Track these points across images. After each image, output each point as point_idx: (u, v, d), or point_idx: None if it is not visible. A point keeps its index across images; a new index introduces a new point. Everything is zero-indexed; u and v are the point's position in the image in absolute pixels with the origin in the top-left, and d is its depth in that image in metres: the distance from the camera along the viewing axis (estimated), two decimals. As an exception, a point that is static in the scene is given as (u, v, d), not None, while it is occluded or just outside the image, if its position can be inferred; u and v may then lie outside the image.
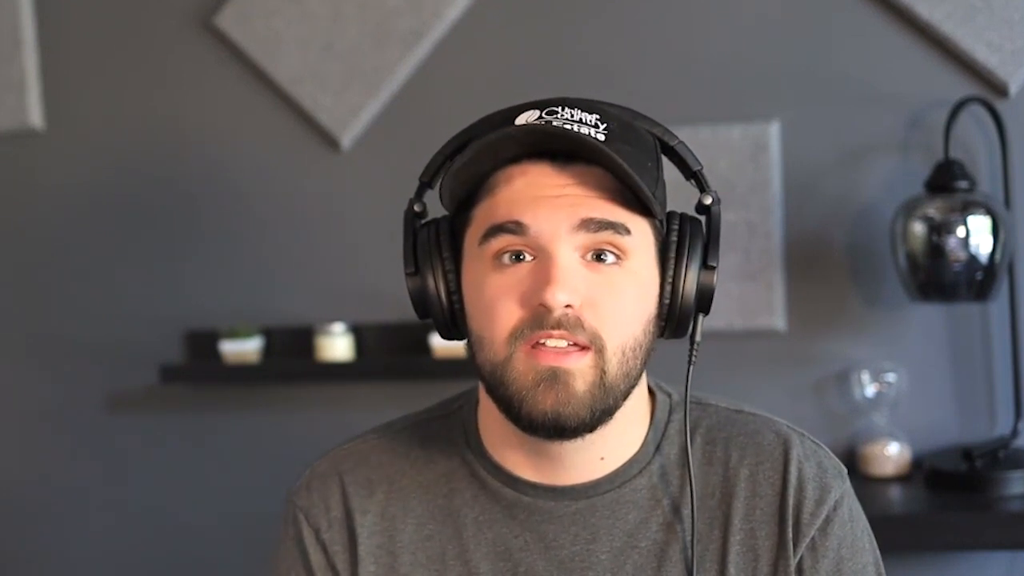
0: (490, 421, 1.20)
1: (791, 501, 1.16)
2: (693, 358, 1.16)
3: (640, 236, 1.10)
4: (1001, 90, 2.20)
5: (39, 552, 2.79)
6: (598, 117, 1.10)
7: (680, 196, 1.25)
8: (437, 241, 1.15)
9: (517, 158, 1.09)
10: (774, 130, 2.30)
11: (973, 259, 2.10)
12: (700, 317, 1.15)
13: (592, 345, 1.06)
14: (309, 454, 1.35)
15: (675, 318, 1.13)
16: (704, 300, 1.14)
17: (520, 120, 1.10)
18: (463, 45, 2.47)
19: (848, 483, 1.22)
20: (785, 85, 2.30)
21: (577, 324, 1.05)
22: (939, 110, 2.18)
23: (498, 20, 2.45)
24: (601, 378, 1.07)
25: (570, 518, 1.17)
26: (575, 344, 1.06)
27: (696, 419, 1.23)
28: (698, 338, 1.16)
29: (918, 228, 2.12)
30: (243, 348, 2.53)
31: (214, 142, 2.61)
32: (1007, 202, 2.16)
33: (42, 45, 2.71)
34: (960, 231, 2.09)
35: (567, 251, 1.06)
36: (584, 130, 1.07)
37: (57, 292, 2.74)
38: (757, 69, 2.32)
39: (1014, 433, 2.17)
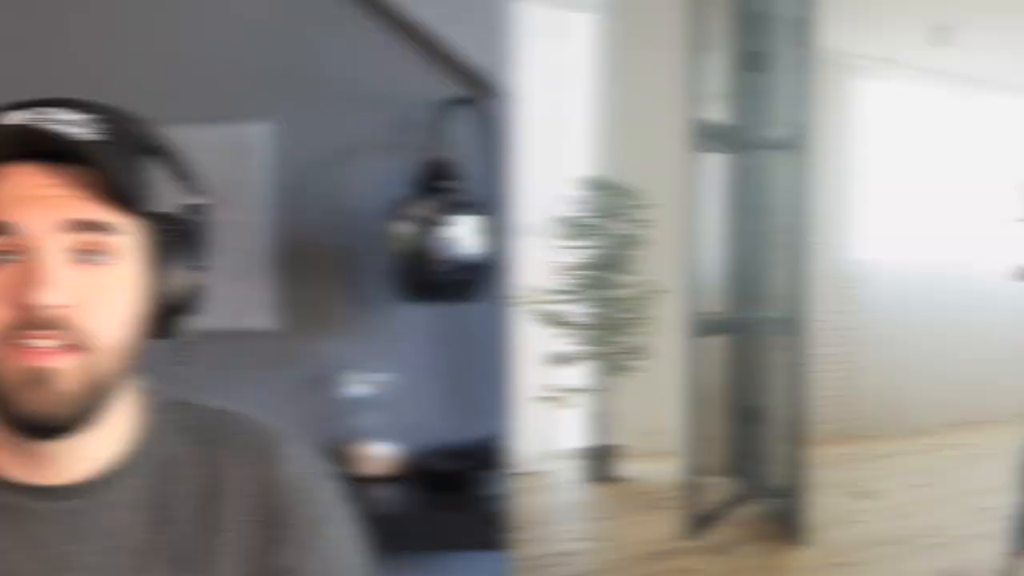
0: (-24, 421, 1.15)
1: (277, 501, 1.18)
2: (183, 359, 1.18)
3: (129, 236, 1.10)
4: (490, 90, 2.27)
5: None
6: (86, 117, 1.09)
7: (173, 196, 1.22)
8: None
9: (3, 160, 1.07)
10: (262, 131, 2.30)
11: (460, 259, 2.13)
12: (188, 317, 1.17)
13: (80, 345, 1.06)
14: None
15: (163, 319, 1.15)
16: (192, 300, 1.17)
17: (5, 121, 1.09)
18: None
19: (334, 483, 1.25)
20: (274, 86, 2.31)
21: (65, 324, 1.05)
22: (428, 110, 2.22)
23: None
24: (89, 378, 1.07)
25: (58, 518, 1.14)
26: (63, 344, 1.05)
27: (184, 420, 1.22)
28: (187, 338, 1.18)
29: (405, 228, 2.15)
30: None
31: None
32: (495, 202, 2.22)
33: None
34: (446, 231, 2.13)
35: (54, 251, 1.05)
36: (71, 130, 1.07)
37: None
38: (247, 69, 2.32)
39: (499, 433, 2.24)
